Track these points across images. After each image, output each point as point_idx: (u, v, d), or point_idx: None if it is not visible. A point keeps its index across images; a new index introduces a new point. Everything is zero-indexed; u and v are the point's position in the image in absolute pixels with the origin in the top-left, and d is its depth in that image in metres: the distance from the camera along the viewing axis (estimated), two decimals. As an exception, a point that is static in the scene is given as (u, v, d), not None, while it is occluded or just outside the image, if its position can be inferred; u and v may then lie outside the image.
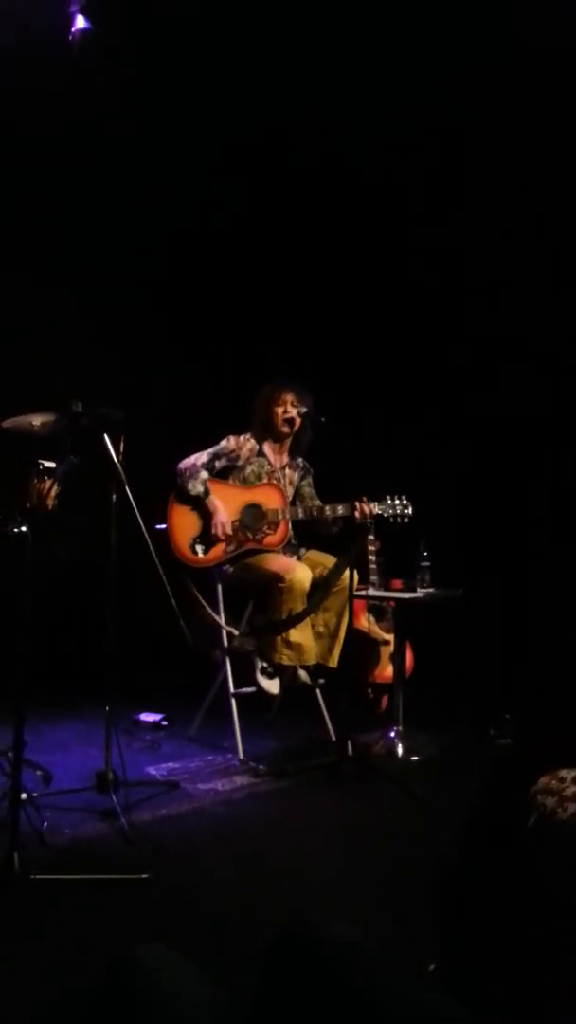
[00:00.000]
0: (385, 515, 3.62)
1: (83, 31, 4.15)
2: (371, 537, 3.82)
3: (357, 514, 3.58)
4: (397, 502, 3.63)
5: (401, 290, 4.75)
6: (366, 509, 3.59)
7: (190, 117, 4.45)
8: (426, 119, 4.27)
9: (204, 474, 3.63)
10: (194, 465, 3.63)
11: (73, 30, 4.15)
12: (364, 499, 3.60)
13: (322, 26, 4.02)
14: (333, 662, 3.64)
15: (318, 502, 3.86)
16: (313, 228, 4.73)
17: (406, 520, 3.64)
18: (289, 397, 3.73)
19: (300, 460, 3.90)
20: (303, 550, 3.79)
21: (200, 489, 3.60)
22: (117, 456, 2.79)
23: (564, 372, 4.33)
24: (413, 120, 4.29)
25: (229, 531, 3.61)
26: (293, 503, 3.83)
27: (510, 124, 4.10)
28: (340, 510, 3.65)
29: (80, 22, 4.14)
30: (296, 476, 3.90)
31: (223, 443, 3.73)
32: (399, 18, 3.93)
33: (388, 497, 3.64)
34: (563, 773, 1.04)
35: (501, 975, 1.01)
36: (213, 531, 3.59)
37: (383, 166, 4.47)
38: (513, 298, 4.46)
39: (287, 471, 3.86)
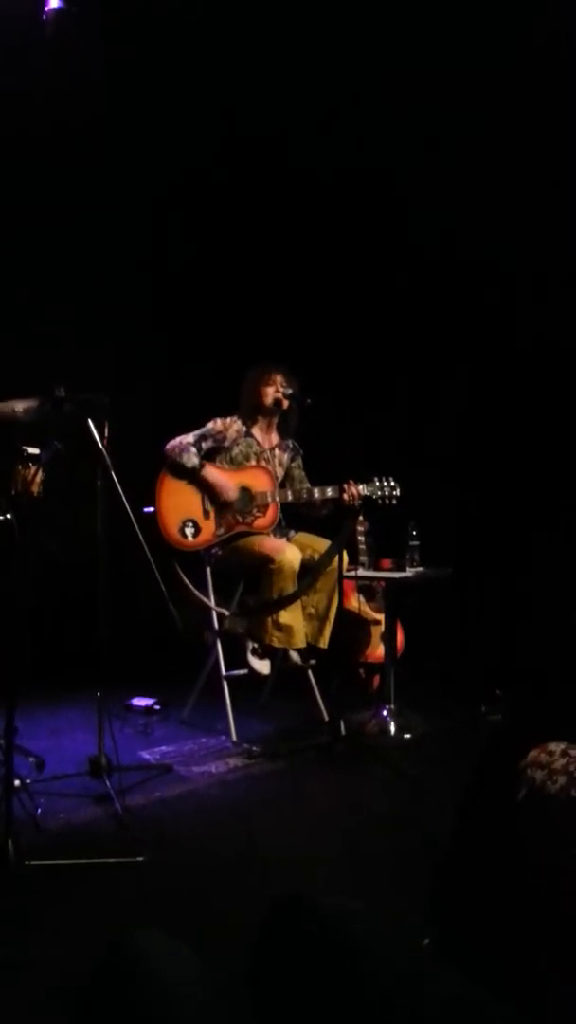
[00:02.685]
0: (374, 497, 3.62)
1: (57, 10, 4.09)
2: (360, 518, 3.82)
3: (345, 496, 3.58)
4: (385, 483, 3.63)
5: (386, 270, 4.72)
6: (354, 491, 3.59)
7: (180, 107, 4.42)
8: (418, 120, 4.25)
9: (195, 450, 3.63)
10: (182, 443, 3.62)
11: (47, 9, 4.09)
12: (352, 481, 3.60)
13: (319, 23, 4.00)
14: (324, 643, 3.65)
15: (308, 484, 3.87)
16: (302, 213, 4.69)
17: (394, 502, 3.64)
18: (278, 377, 3.75)
19: (290, 441, 3.90)
20: (292, 532, 3.79)
21: (195, 461, 3.60)
22: (102, 441, 2.76)
23: (554, 351, 4.32)
24: (406, 120, 4.27)
25: (235, 495, 3.60)
26: (283, 485, 3.83)
27: (503, 122, 4.09)
28: (329, 492, 3.65)
29: (53, 1, 4.08)
30: (286, 457, 3.90)
31: (209, 425, 3.72)
32: (394, 20, 3.91)
33: (376, 479, 3.64)
34: (552, 746, 1.04)
35: (496, 947, 1.02)
36: (223, 497, 3.59)
37: (374, 155, 4.44)
38: (505, 277, 4.45)
39: (276, 452, 3.86)
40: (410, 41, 4.02)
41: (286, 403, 3.76)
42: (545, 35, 3.77)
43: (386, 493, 3.63)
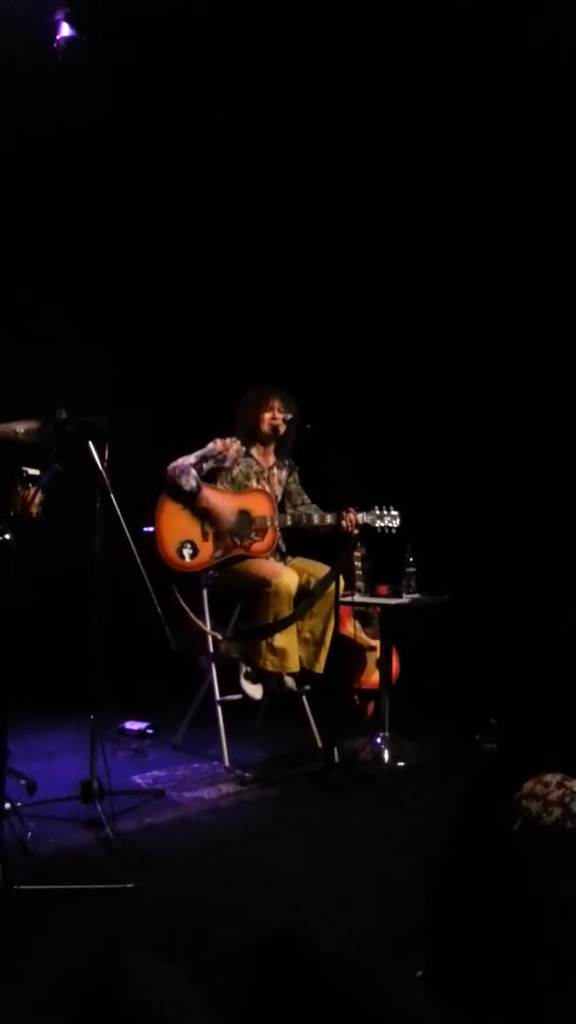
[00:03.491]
0: (373, 525, 3.63)
1: (68, 39, 4.16)
2: (357, 543, 3.83)
3: (344, 524, 3.59)
4: (385, 512, 3.64)
5: (386, 278, 4.73)
6: (352, 519, 3.60)
7: (176, 122, 4.46)
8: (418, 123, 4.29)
9: (195, 472, 3.64)
10: (184, 464, 3.64)
11: (58, 38, 4.16)
12: (351, 509, 3.61)
13: (319, 23, 4.04)
14: (319, 668, 3.64)
15: (305, 497, 3.89)
16: (301, 215, 4.69)
17: (394, 531, 3.65)
18: (276, 403, 3.75)
19: (286, 459, 3.92)
20: (289, 557, 3.79)
21: (193, 484, 3.60)
22: (102, 463, 2.77)
23: (549, 379, 4.34)
24: (405, 124, 4.31)
25: (231, 523, 3.60)
26: (282, 504, 3.84)
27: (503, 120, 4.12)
28: (328, 519, 3.66)
29: (65, 30, 4.15)
30: (283, 475, 3.92)
31: (210, 445, 3.74)
32: (394, 19, 3.95)
33: (376, 507, 3.65)
34: (548, 777, 1.05)
35: (490, 979, 1.01)
36: (219, 524, 3.59)
37: (373, 165, 4.48)
38: (500, 305, 4.48)
39: (275, 471, 3.88)
40: (410, 41, 4.03)
41: (283, 429, 3.77)
42: (545, 35, 3.80)
43: (386, 522, 3.64)
